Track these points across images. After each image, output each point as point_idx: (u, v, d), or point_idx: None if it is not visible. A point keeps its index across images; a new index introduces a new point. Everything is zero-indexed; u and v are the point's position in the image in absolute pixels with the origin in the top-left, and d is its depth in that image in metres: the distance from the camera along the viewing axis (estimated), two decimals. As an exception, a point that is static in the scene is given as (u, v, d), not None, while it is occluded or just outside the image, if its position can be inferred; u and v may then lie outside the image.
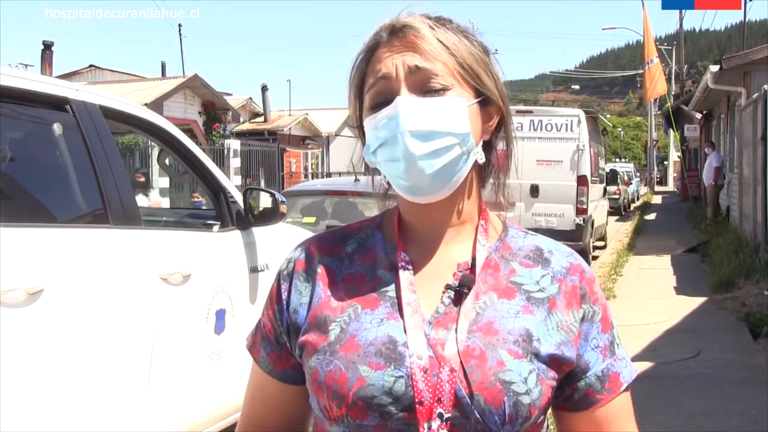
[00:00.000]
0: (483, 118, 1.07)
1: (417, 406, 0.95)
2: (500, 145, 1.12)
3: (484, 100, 1.06)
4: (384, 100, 1.02)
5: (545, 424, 1.05)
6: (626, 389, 1.08)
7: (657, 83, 20.56)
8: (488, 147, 1.11)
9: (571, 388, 1.05)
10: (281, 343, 1.11)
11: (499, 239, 1.10)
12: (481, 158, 1.06)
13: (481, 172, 1.11)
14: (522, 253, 1.09)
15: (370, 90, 1.05)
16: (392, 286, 1.05)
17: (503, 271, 1.07)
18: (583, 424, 1.07)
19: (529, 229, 1.17)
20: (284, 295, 1.10)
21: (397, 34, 1.04)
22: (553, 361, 1.01)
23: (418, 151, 0.99)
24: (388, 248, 1.09)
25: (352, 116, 1.11)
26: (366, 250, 1.11)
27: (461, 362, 0.97)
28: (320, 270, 1.09)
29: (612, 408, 1.06)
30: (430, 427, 0.95)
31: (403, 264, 1.06)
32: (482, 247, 1.07)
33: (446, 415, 0.95)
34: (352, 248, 1.11)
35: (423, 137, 0.99)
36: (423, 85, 1.02)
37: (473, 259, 1.07)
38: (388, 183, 1.07)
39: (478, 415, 0.95)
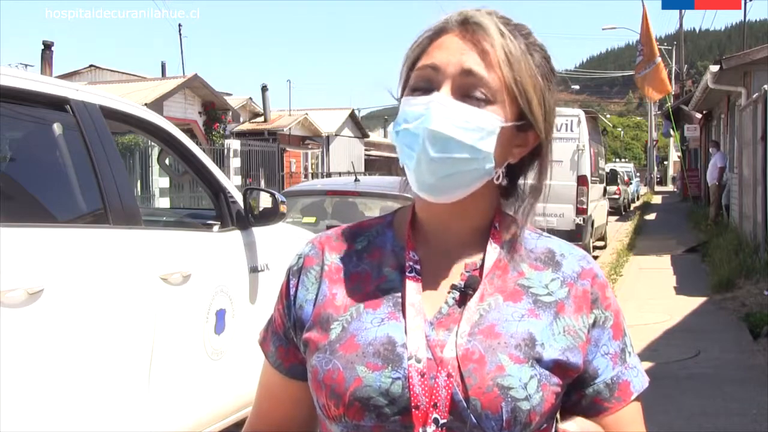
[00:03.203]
0: (516, 142, 1.04)
1: (413, 410, 0.94)
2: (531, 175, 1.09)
3: (524, 125, 1.03)
4: (424, 87, 1.01)
5: (552, 430, 1.02)
6: (636, 399, 1.04)
7: (662, 82, 20.44)
8: (519, 170, 1.08)
9: (578, 394, 1.02)
10: (289, 338, 1.11)
11: (511, 241, 1.06)
12: (498, 179, 1.03)
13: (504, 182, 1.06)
14: (533, 256, 1.06)
15: (418, 71, 1.02)
16: (397, 286, 1.03)
17: (512, 274, 1.04)
18: None
19: None
20: (292, 291, 1.10)
21: (466, 28, 1.02)
22: (557, 367, 0.98)
23: (432, 153, 0.97)
24: (397, 247, 1.07)
25: (398, 88, 1.08)
26: (374, 248, 1.09)
27: (459, 366, 0.95)
28: (328, 267, 1.08)
29: (621, 417, 1.03)
30: None
31: (411, 263, 1.04)
32: (493, 248, 1.04)
33: (441, 421, 0.94)
34: (362, 246, 1.10)
35: (442, 141, 0.97)
36: (468, 89, 0.99)
37: (482, 260, 1.04)
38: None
39: (474, 420, 0.93)
